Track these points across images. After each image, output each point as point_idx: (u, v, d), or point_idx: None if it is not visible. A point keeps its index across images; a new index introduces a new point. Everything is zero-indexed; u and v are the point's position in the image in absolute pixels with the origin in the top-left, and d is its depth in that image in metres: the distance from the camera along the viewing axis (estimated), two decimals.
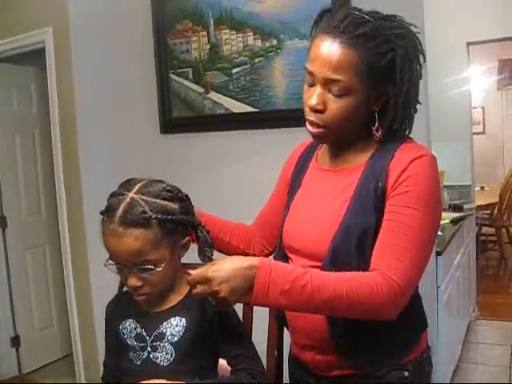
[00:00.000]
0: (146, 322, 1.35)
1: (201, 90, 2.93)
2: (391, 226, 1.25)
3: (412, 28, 1.33)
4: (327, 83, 1.27)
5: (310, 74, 1.30)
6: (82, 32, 3.19)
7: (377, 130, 1.33)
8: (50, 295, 4.15)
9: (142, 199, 1.26)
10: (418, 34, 1.33)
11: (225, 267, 1.18)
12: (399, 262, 1.22)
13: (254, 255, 1.59)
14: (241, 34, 2.80)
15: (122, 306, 1.42)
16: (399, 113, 1.31)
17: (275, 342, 1.57)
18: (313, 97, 1.30)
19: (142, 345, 1.34)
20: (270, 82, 2.73)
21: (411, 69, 1.29)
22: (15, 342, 3.95)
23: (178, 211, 1.30)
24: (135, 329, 1.36)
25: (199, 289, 1.19)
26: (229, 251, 1.59)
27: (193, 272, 1.20)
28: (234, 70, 2.82)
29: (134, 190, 1.29)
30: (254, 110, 2.77)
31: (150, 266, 1.26)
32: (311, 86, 1.32)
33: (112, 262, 1.29)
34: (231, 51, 2.83)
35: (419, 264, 1.26)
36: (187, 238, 1.35)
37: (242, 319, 1.52)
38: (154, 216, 1.24)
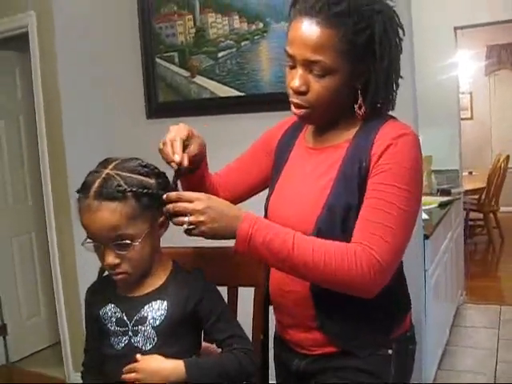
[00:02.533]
0: (126, 306, 1.33)
1: (187, 74, 2.90)
2: (374, 203, 1.25)
3: (388, 2, 1.32)
4: (308, 64, 1.27)
5: (291, 56, 1.30)
6: (66, 16, 3.15)
7: (359, 108, 1.32)
8: (37, 283, 4.11)
9: (118, 174, 1.26)
10: (394, 8, 1.32)
11: (218, 208, 1.22)
12: (383, 241, 1.22)
13: None
14: (227, 18, 2.77)
15: (102, 291, 1.39)
16: (381, 89, 1.31)
17: (260, 324, 1.56)
18: (295, 79, 1.29)
19: (123, 329, 1.32)
20: (256, 66, 2.71)
21: (390, 43, 1.28)
22: (2, 330, 3.91)
23: (155, 186, 1.29)
24: (116, 313, 1.34)
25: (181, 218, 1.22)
26: None
27: (187, 193, 1.23)
28: (220, 54, 2.80)
29: (110, 167, 1.28)
30: (240, 93, 2.76)
31: (126, 241, 1.25)
32: (292, 68, 1.31)
33: (89, 241, 1.27)
34: (217, 35, 2.80)
35: (402, 244, 1.26)
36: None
37: (226, 301, 1.51)
38: (128, 189, 1.23)
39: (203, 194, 1.24)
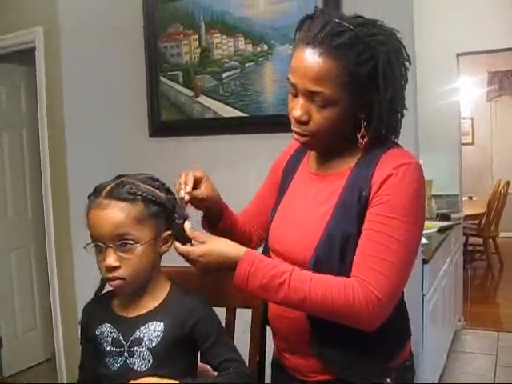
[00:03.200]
0: (123, 326, 1.33)
1: (190, 93, 2.92)
2: (372, 236, 1.23)
3: (394, 32, 1.30)
4: (309, 95, 1.26)
5: (293, 85, 1.29)
6: (72, 32, 3.17)
7: (362, 137, 1.31)
8: (35, 297, 4.10)
9: (130, 181, 1.31)
10: (400, 39, 1.30)
11: (215, 252, 1.26)
12: (382, 275, 1.20)
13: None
14: (232, 39, 2.79)
15: (99, 310, 1.39)
16: (385, 119, 1.29)
17: (257, 345, 1.56)
18: (296, 109, 1.28)
19: (118, 350, 1.32)
20: (259, 87, 2.73)
21: (394, 75, 1.27)
22: None
23: (164, 200, 1.33)
24: (112, 333, 1.33)
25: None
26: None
27: (184, 248, 1.28)
28: (224, 75, 2.82)
29: (124, 178, 1.34)
30: (243, 114, 2.76)
31: (129, 242, 1.26)
32: (295, 96, 1.30)
33: (92, 245, 1.29)
34: (222, 55, 2.82)
35: (402, 278, 1.25)
36: (170, 231, 1.34)
37: (224, 322, 1.51)
38: (139, 193, 1.28)
39: (202, 249, 1.27)
